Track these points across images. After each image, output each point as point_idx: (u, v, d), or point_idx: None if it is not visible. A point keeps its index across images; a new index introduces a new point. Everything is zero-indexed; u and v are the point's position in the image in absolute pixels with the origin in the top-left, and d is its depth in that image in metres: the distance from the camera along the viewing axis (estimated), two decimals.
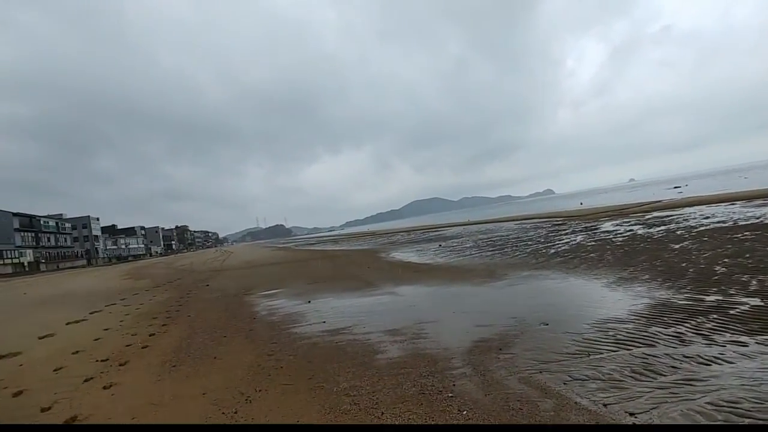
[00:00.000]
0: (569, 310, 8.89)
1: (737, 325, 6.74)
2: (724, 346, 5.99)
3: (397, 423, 4.80)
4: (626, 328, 7.24)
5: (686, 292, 8.99)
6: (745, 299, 7.95)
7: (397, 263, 23.33)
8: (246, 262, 43.94)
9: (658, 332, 6.88)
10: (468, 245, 28.25)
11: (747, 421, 4.14)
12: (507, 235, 31.36)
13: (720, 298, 8.27)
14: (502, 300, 10.65)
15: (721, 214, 23.76)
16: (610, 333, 7.13)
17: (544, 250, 19.46)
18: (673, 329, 6.95)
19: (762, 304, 7.56)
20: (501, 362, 6.45)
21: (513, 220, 54.88)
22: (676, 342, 6.40)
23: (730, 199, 33.16)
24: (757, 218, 19.30)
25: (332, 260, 31.19)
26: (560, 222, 37.95)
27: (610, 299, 9.28)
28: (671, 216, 27.14)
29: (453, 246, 29.33)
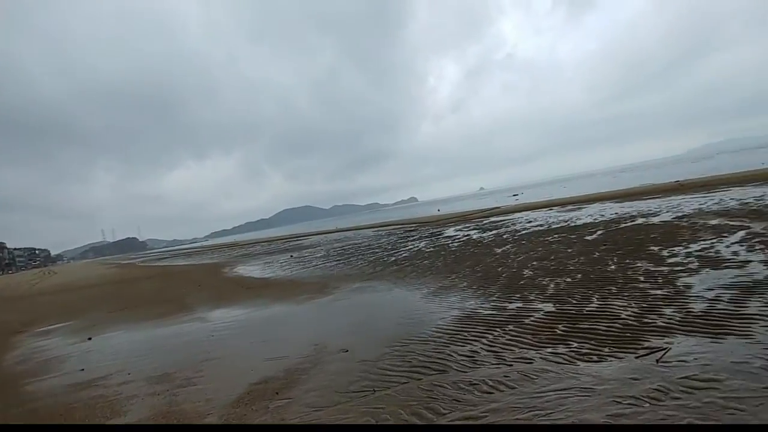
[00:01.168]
0: (377, 329, 7.98)
1: (528, 336, 6.41)
2: (511, 365, 5.45)
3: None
4: (425, 351, 6.45)
5: (493, 300, 8.80)
6: (540, 305, 7.89)
7: (234, 279, 20.95)
8: (62, 285, 36.36)
9: (454, 353, 6.20)
10: (319, 255, 27.01)
11: None
12: (360, 243, 30.96)
13: (520, 305, 8.14)
14: (317, 320, 9.42)
15: (541, 218, 26.53)
16: (408, 358, 6.27)
17: (385, 258, 19.08)
18: (469, 347, 6.35)
19: (554, 309, 7.52)
20: (269, 413, 5.05)
21: (374, 228, 55.62)
22: (469, 364, 5.73)
23: (550, 204, 37.90)
24: (566, 221, 21.73)
25: (166, 279, 27.17)
26: (413, 228, 39.17)
27: (423, 313, 8.65)
28: (504, 221, 29.61)
29: (304, 257, 27.80)
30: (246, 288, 16.83)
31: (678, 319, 6.07)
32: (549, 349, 5.78)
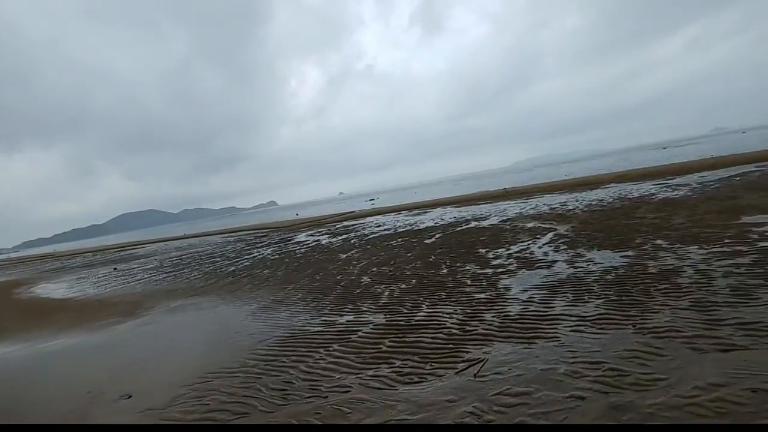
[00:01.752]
0: (179, 362, 6.47)
1: (352, 357, 5.69)
2: (326, 397, 4.61)
3: None
4: (231, 386, 5.27)
5: (325, 314, 7.99)
6: (372, 317, 7.33)
7: (25, 301, 16.53)
8: None
9: (264, 386, 5.15)
10: (149, 266, 23.28)
11: None
12: (203, 251, 27.77)
13: (351, 318, 7.48)
14: (105, 354, 7.42)
15: (389, 222, 27.19)
16: (207, 399, 5.01)
17: (223, 269, 17.05)
18: (284, 377, 5.36)
19: (384, 321, 7.00)
20: None
21: (225, 233, 51.26)
22: (278, 400, 4.74)
23: (400, 209, 39.55)
24: (410, 225, 22.49)
25: None
26: (265, 234, 36.97)
27: (242, 336, 7.38)
28: (355, 225, 29.65)
29: (130, 269, 23.67)
30: (37, 314, 13.19)
31: (497, 324, 6.00)
32: (371, 371, 5.12)
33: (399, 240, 17.12)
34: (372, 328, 6.69)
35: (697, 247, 8.50)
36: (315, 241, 22.49)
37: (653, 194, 18.33)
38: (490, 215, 21.00)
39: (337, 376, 5.13)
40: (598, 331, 5.23)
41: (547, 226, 14.34)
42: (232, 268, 16.93)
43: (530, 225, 15.20)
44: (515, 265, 9.51)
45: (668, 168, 31.87)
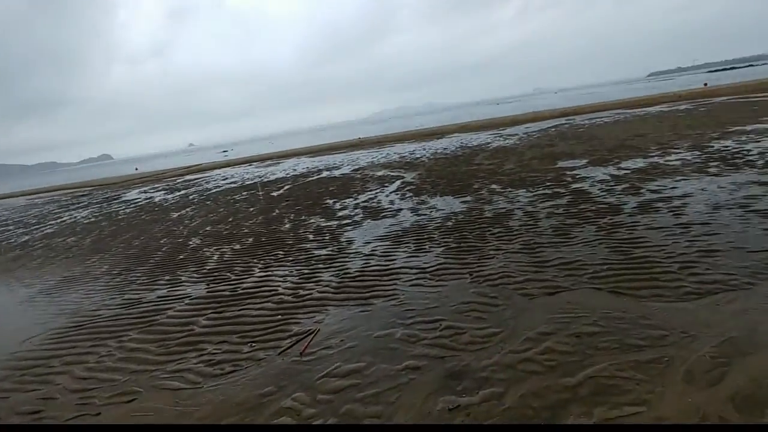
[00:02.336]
0: None
1: (152, 346, 4.45)
2: (98, 414, 3.37)
3: None
4: None
5: (132, 290, 6.41)
6: (191, 288, 6.06)
7: None
8: None
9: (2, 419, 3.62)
10: None
11: None
12: None
13: (164, 292, 6.08)
14: None
15: (239, 174, 24.80)
16: None
17: (14, 239, 13.35)
18: (42, 393, 3.90)
19: (205, 292, 5.81)
20: None
21: (33, 194, 41.54)
22: None
23: (253, 160, 36.69)
24: (260, 177, 20.73)
25: None
26: (86, 193, 30.82)
27: (4, 333, 5.44)
28: (200, 179, 26.45)
29: None
30: None
31: (334, 285, 5.33)
32: (173, 365, 3.99)
33: (244, 194, 15.44)
34: (187, 304, 5.45)
35: (524, 190, 9.02)
36: (147, 199, 19.25)
37: (489, 143, 19.79)
38: (342, 165, 20.42)
39: (125, 379, 3.88)
40: (437, 283, 4.91)
41: (396, 174, 14.28)
42: (26, 237, 13.35)
43: (380, 173, 14.99)
44: (361, 215, 9.01)
45: (501, 120, 35.28)
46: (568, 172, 10.15)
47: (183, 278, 6.56)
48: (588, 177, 9.35)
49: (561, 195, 8.15)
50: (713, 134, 12.38)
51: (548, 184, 9.27)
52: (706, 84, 43.35)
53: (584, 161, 11.34)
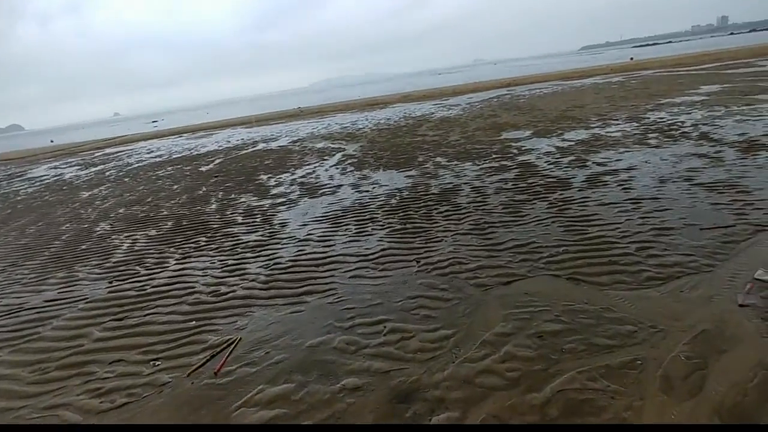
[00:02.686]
0: None
1: (24, 374, 3.53)
2: None
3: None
4: None
5: (8, 295, 5.27)
6: (88, 289, 5.05)
7: None
8: None
9: None
10: None
11: None
12: None
13: (54, 294, 5.03)
14: None
15: (166, 147, 22.63)
16: None
17: None
18: None
19: (105, 294, 4.84)
20: None
21: None
22: None
23: (184, 132, 33.86)
24: (190, 150, 18.99)
25: None
26: None
27: None
28: (120, 152, 23.91)
29: None
30: None
31: (263, 279, 4.59)
32: (48, 398, 3.14)
33: (169, 169, 13.92)
34: (81, 310, 4.49)
35: (471, 163, 8.61)
36: (56, 176, 17.01)
37: (432, 113, 19.31)
38: (281, 136, 19.14)
39: None
40: (381, 274, 4.33)
41: (337, 146, 13.43)
42: None
43: (320, 145, 14.06)
44: (298, 192, 8.19)
45: (443, 90, 34.94)
46: (514, 144, 9.87)
47: (81, 275, 5.50)
48: (533, 149, 9.10)
49: (508, 168, 7.80)
50: (647, 106, 12.64)
51: (494, 156, 8.93)
52: (632, 58, 45.43)
53: (528, 132, 11.14)
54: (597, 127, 10.54)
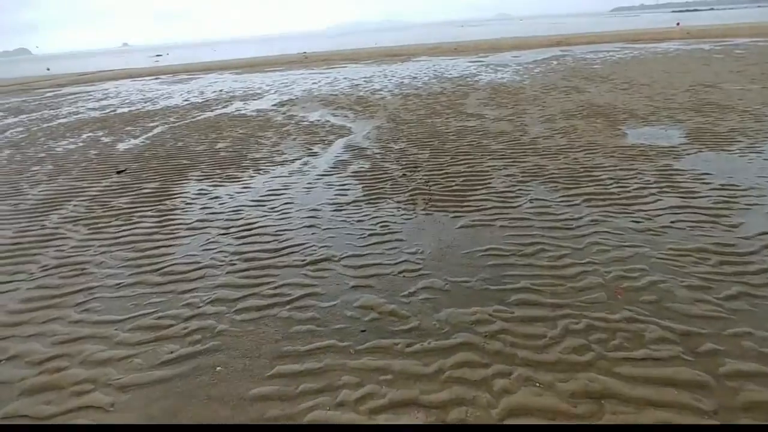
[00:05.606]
0: None
1: None
2: None
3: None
4: None
5: None
6: None
7: None
8: None
9: None
10: None
11: None
12: None
13: None
14: None
15: (125, 94, 17.65)
16: None
17: None
18: None
19: None
20: None
21: None
22: None
23: (166, 72, 28.58)
24: (145, 102, 14.07)
25: None
26: None
27: None
28: (72, 94, 19.06)
29: None
30: None
31: None
32: None
33: (80, 139, 9.18)
34: None
35: (620, 212, 3.87)
36: None
37: (475, 75, 14.10)
38: (269, 91, 14.12)
39: None
40: None
41: (339, 122, 8.56)
42: None
43: (314, 118, 9.18)
44: (222, 274, 3.57)
45: (478, 44, 29.05)
46: (677, 167, 5.03)
47: None
48: (747, 194, 4.29)
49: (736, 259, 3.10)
50: None
51: (654, 194, 4.17)
52: (678, 23, 38.72)
53: (674, 133, 6.25)
54: None
